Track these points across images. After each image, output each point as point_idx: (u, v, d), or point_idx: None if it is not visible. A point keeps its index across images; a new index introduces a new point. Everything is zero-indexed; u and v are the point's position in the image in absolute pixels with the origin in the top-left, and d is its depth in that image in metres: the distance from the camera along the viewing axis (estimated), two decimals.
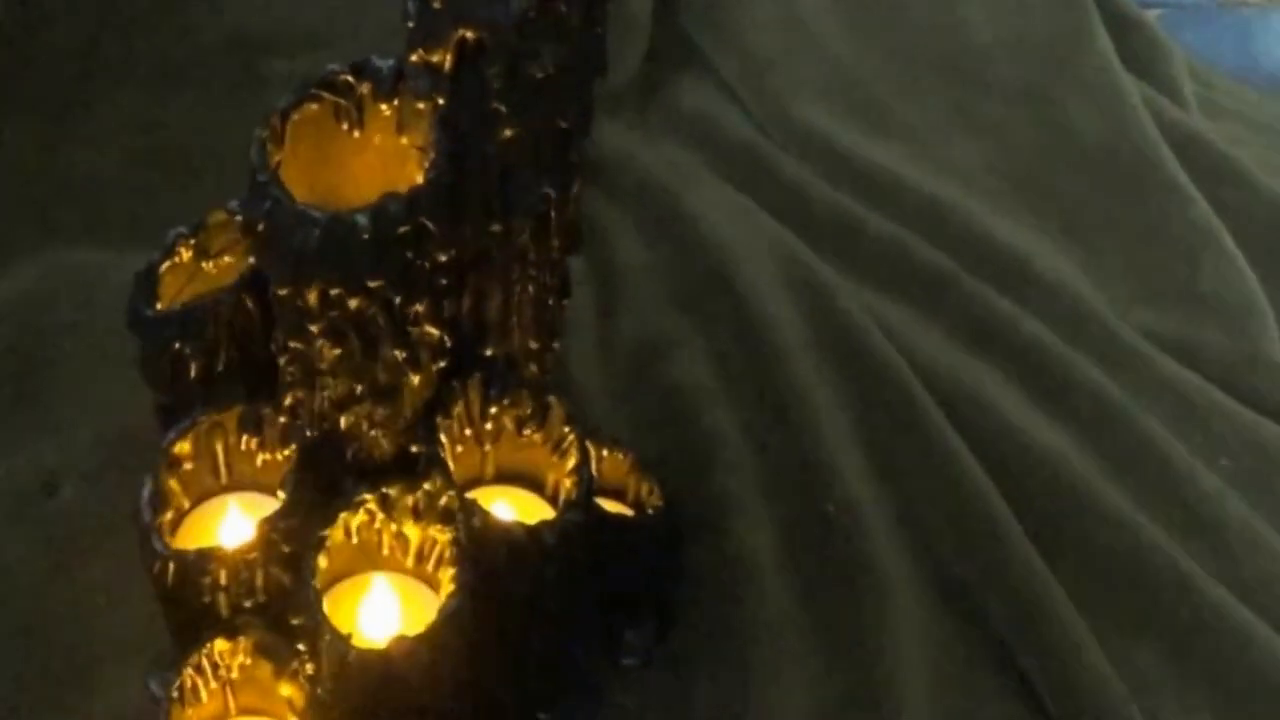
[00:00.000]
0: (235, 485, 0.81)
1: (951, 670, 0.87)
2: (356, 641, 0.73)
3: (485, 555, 0.75)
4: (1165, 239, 1.12)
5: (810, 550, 0.91)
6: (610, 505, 0.86)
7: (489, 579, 0.76)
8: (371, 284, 0.69)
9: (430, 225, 0.68)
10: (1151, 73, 1.25)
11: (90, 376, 0.94)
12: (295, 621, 0.75)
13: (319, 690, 0.75)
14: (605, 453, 0.89)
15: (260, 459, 0.80)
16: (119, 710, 0.82)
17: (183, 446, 0.78)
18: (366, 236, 0.67)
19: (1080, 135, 1.18)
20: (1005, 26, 1.21)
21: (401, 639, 0.73)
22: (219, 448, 0.79)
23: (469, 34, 0.66)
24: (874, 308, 1.04)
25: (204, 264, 0.81)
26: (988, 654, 0.89)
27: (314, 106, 0.72)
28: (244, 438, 0.79)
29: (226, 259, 0.81)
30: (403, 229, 0.68)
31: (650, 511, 0.87)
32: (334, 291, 0.69)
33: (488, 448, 0.81)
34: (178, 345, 0.76)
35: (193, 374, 0.77)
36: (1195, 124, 1.23)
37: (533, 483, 0.83)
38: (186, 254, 0.80)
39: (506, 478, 0.83)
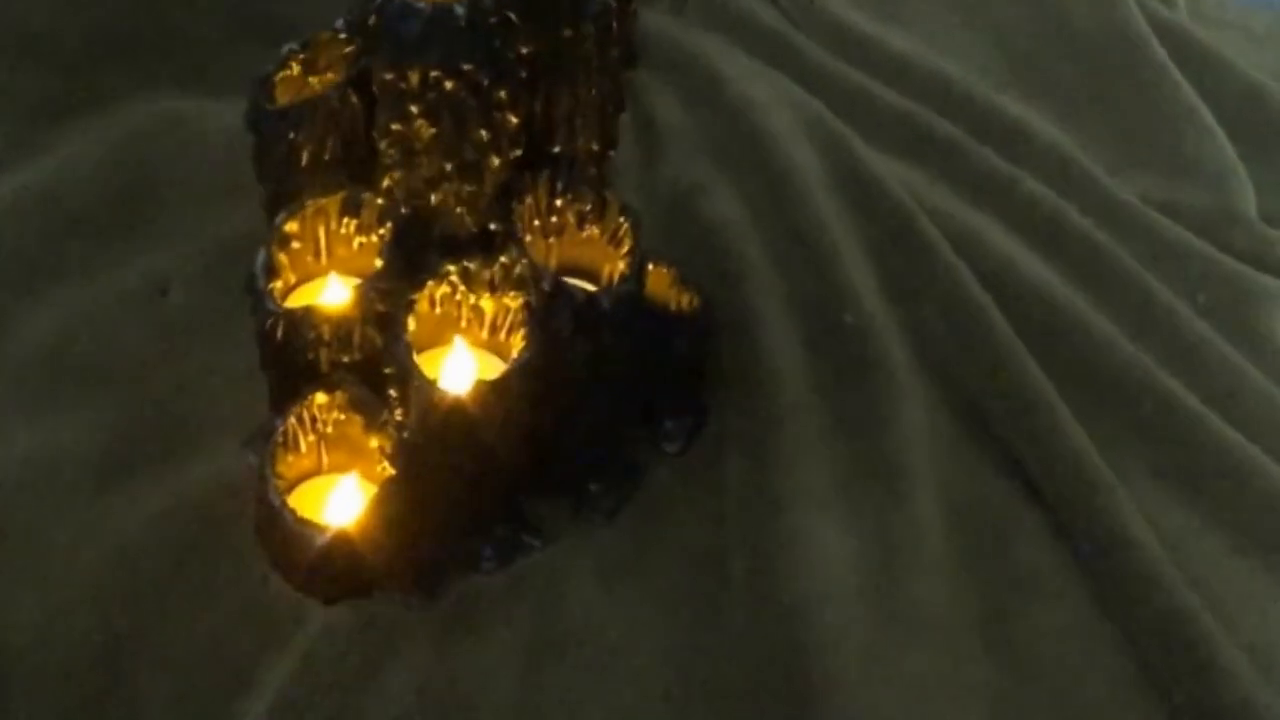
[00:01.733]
0: (335, 267, 0.93)
1: (951, 449, 0.99)
2: (439, 387, 0.85)
3: (552, 318, 0.88)
4: (1152, 115, 1.25)
5: (829, 353, 1.03)
6: None
7: (555, 339, 0.88)
8: (465, 67, 0.81)
9: (514, 19, 0.80)
10: None
11: (196, 201, 1.06)
12: (388, 371, 0.87)
13: (405, 435, 0.87)
14: (650, 267, 1.01)
15: (358, 242, 0.92)
16: (216, 473, 0.94)
17: (292, 225, 0.90)
18: (463, 24, 0.79)
19: (1075, 28, 1.30)
20: None
21: (480, 383, 0.85)
22: (322, 231, 0.92)
23: None
24: (893, 170, 1.16)
25: (311, 79, 0.93)
26: (985, 439, 1.01)
27: None
28: (345, 220, 0.91)
29: (330, 75, 0.93)
30: (493, 19, 0.80)
31: (687, 310, 0.99)
32: (433, 74, 0.81)
33: (552, 240, 0.94)
34: (291, 136, 0.88)
35: (303, 163, 0.89)
36: (1182, 20, 1.35)
37: (591, 276, 0.95)
38: (296, 68, 0.93)
39: (568, 271, 0.95)
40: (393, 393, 0.88)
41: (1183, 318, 1.08)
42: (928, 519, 0.95)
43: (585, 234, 0.93)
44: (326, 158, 0.90)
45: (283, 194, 0.91)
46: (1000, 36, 1.30)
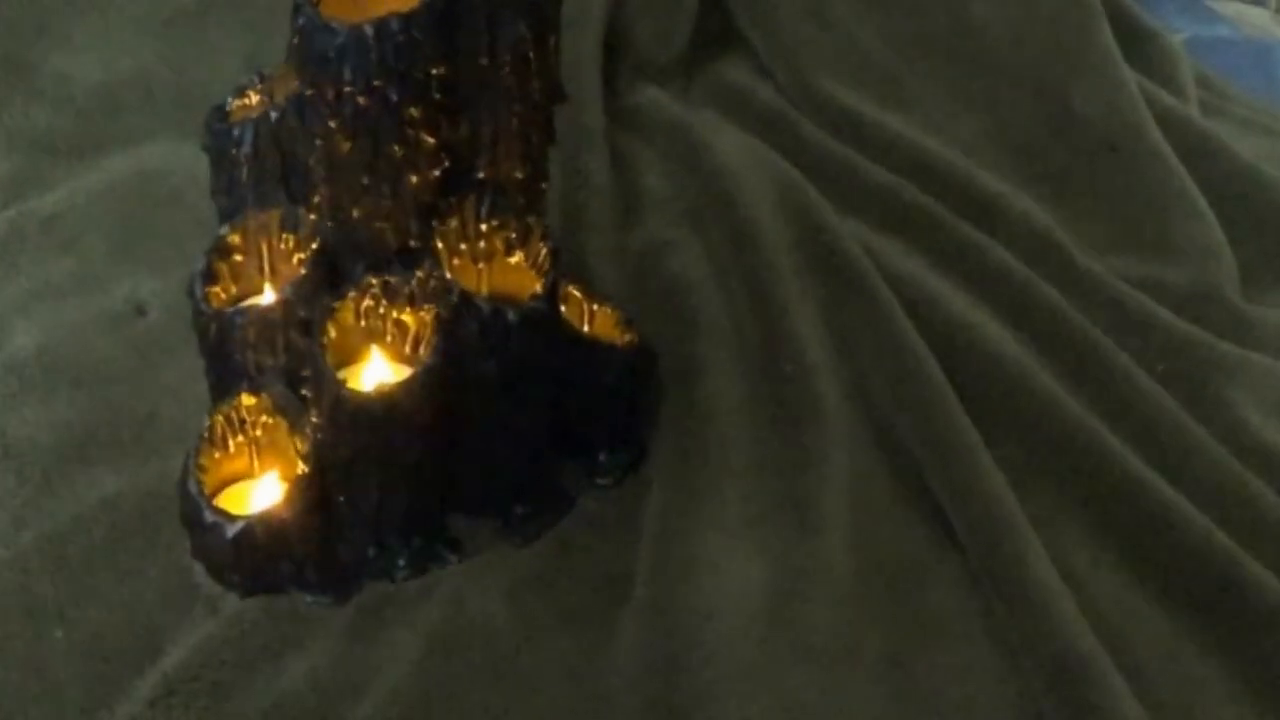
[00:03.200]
0: (277, 282, 0.99)
1: (875, 493, 1.01)
2: (349, 386, 0.90)
3: (460, 330, 0.92)
4: (1141, 198, 1.26)
5: (767, 399, 1.05)
6: None
7: (463, 350, 0.92)
8: (375, 83, 0.87)
9: (420, 39, 0.86)
10: (1155, 71, 1.40)
11: (184, 235, 1.13)
12: (305, 373, 0.92)
13: (319, 436, 0.92)
14: (596, 307, 1.05)
15: (296, 258, 0.97)
16: (164, 472, 0.98)
17: (234, 237, 0.96)
18: (371, 44, 0.85)
19: (1075, 113, 1.32)
20: (1013, 19, 1.37)
21: (383, 385, 0.90)
22: (264, 246, 0.97)
23: None
24: (864, 237, 1.19)
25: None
26: (912, 486, 1.02)
27: None
28: (284, 235, 0.97)
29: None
30: (399, 39, 0.86)
31: (621, 345, 1.03)
32: (346, 90, 0.87)
33: (481, 266, 0.98)
34: (234, 151, 0.95)
35: (244, 178, 0.95)
36: (1188, 111, 1.36)
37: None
38: (255, 97, 0.99)
39: (501, 299, 0.99)
40: (307, 394, 0.92)
41: (1139, 384, 1.09)
42: (838, 555, 0.96)
43: (513, 260, 0.97)
44: (267, 174, 0.95)
45: (231, 212, 0.97)
46: (999, 120, 1.33)
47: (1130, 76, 1.35)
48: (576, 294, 1.04)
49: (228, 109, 0.99)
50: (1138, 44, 1.44)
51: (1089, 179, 1.29)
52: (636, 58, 1.38)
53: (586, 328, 1.05)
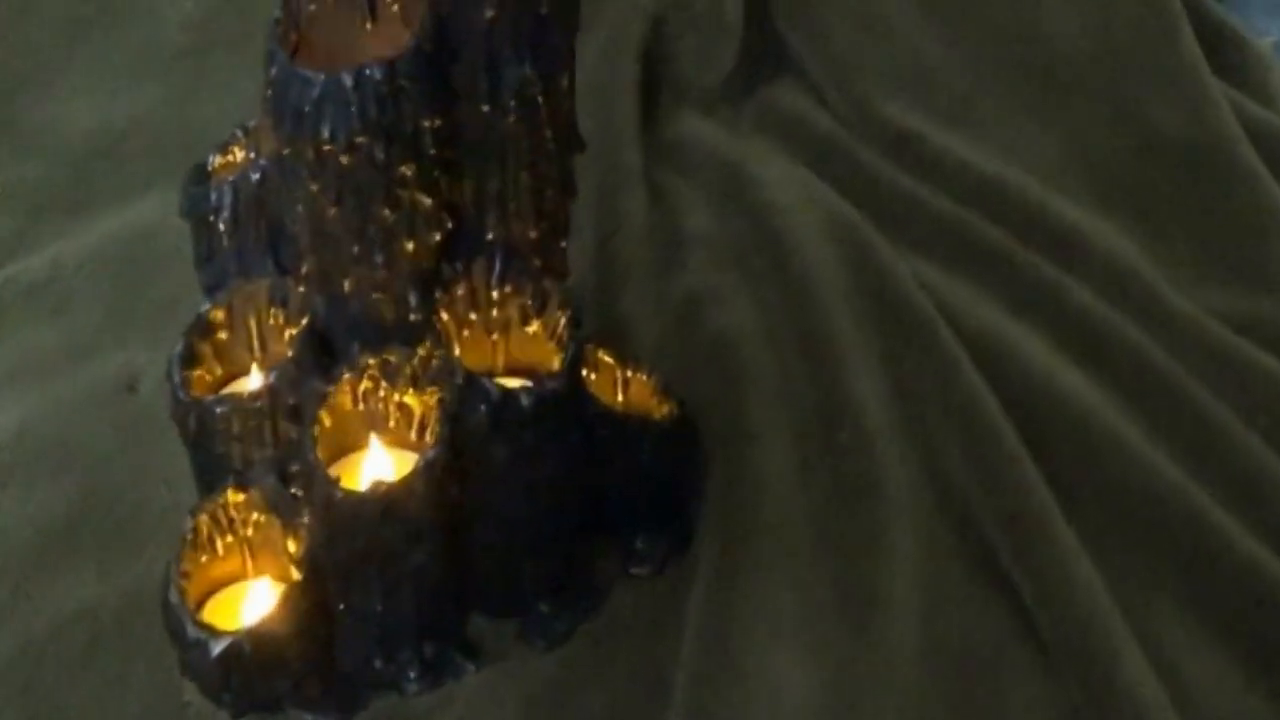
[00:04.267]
0: (268, 362, 0.89)
1: (943, 578, 0.90)
2: (343, 484, 0.80)
3: (468, 415, 0.81)
4: (1236, 224, 1.14)
5: (824, 471, 0.95)
6: None
7: (471, 438, 0.81)
8: (358, 140, 0.76)
9: (408, 87, 0.75)
10: (1244, 79, 1.26)
11: (176, 302, 1.03)
12: (295, 468, 0.82)
13: (312, 538, 0.82)
14: (630, 374, 0.94)
15: (287, 334, 0.87)
16: (150, 569, 0.90)
17: (216, 314, 0.86)
18: (351, 94, 0.75)
19: (1158, 130, 1.20)
20: (1089, 27, 1.24)
21: (379, 483, 0.79)
22: (252, 321, 0.87)
23: None
24: (929, 279, 1.08)
25: None
26: (984, 574, 0.91)
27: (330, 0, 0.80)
28: (272, 310, 0.87)
29: None
30: (383, 89, 0.75)
31: (657, 420, 0.92)
32: (327, 148, 0.76)
33: (496, 337, 0.88)
34: (213, 217, 0.84)
35: (226, 246, 0.85)
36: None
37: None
38: (239, 153, 0.89)
39: (517, 370, 0.89)
40: (298, 492, 0.82)
41: (1240, 443, 0.97)
42: (902, 653, 0.86)
43: (531, 329, 0.87)
44: (251, 242, 0.85)
45: (214, 287, 0.87)
46: (1074, 138, 1.21)
47: (1216, 86, 1.23)
48: (609, 360, 0.94)
49: (210, 167, 0.89)
50: (1223, 50, 1.30)
51: (1175, 202, 1.16)
52: (678, 85, 1.27)
53: (620, 397, 0.94)
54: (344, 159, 0.77)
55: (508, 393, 0.81)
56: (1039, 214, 1.13)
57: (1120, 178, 1.19)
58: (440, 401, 0.81)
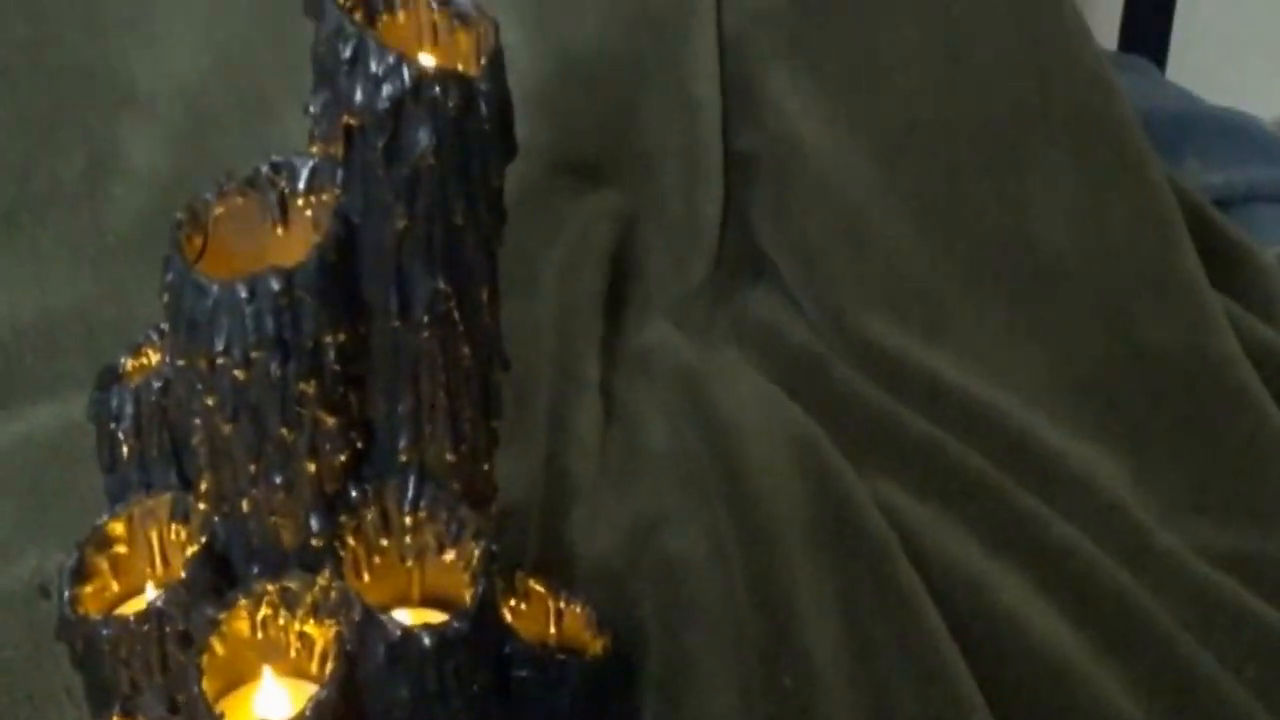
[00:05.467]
0: (170, 576, 0.83)
1: None
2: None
3: (366, 653, 0.75)
4: (1232, 452, 1.07)
5: (764, 715, 0.87)
6: None
7: (372, 678, 0.75)
8: (254, 354, 0.71)
9: (308, 299, 0.70)
10: (1247, 294, 1.20)
11: (96, 504, 0.97)
12: (180, 698, 0.76)
13: None
14: (564, 605, 0.88)
15: (190, 551, 0.81)
16: None
17: (115, 526, 0.81)
18: (246, 304, 0.70)
19: (1152, 348, 1.13)
20: (1081, 236, 1.19)
21: None
22: (154, 535, 0.82)
23: (351, 121, 0.70)
24: (899, 507, 1.02)
25: None
26: None
27: (239, 200, 0.76)
28: (174, 526, 0.81)
29: None
30: (280, 301, 0.70)
31: (584, 658, 0.85)
32: (221, 360, 0.71)
33: (410, 564, 0.82)
34: (112, 425, 0.79)
35: (125, 456, 0.79)
36: None
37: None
38: (154, 356, 0.84)
39: (435, 602, 0.83)
40: None
41: (1226, 695, 0.89)
42: None
43: (447, 558, 0.81)
44: (154, 453, 0.79)
45: (117, 492, 0.82)
46: (1063, 354, 1.14)
47: (1216, 301, 1.16)
48: (540, 590, 0.87)
49: (120, 369, 0.84)
50: (1225, 262, 1.24)
51: (1168, 426, 1.10)
52: (647, 291, 1.22)
53: (553, 629, 0.88)
54: (239, 373, 0.72)
55: (407, 631, 0.74)
56: (1021, 440, 1.07)
57: (1110, 398, 1.13)
58: (337, 636, 0.75)
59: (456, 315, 0.75)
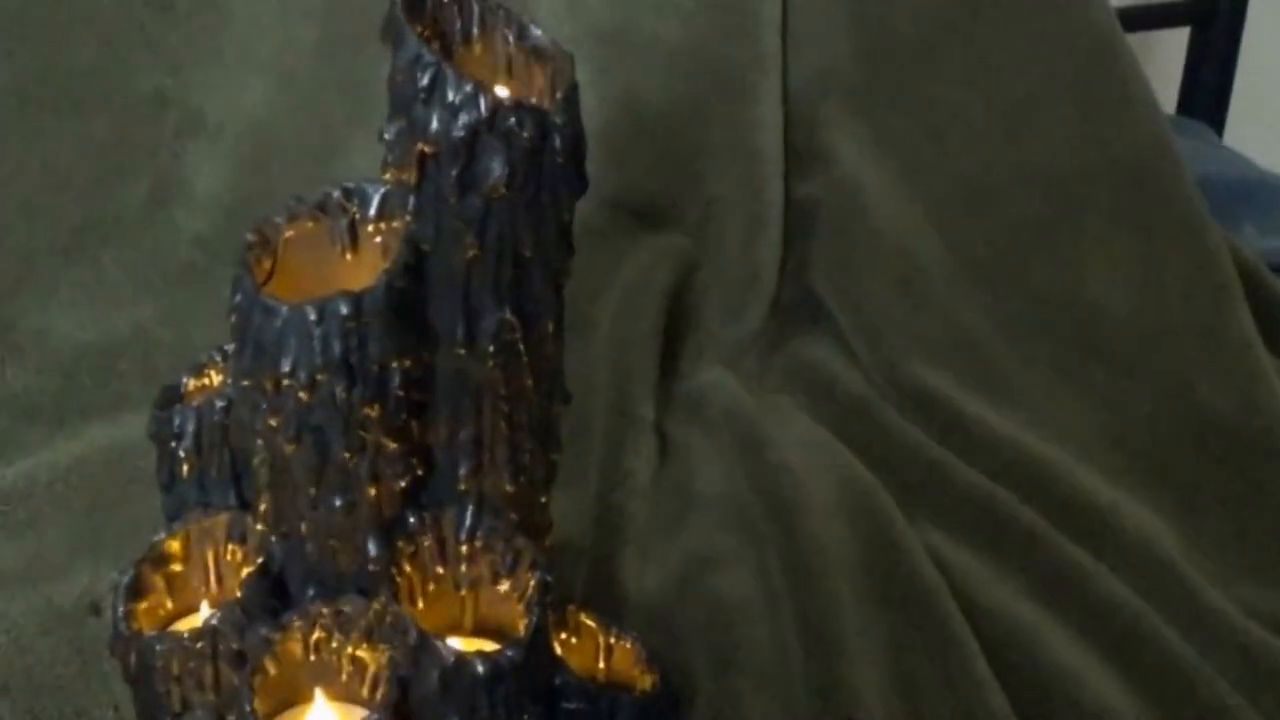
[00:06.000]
0: (226, 596, 0.83)
1: None
2: None
3: (419, 679, 0.75)
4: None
5: None
6: None
7: (424, 705, 0.75)
8: (319, 376, 0.72)
9: (374, 324, 0.71)
10: None
11: (149, 524, 0.98)
12: (230, 717, 0.76)
13: None
14: (614, 641, 0.88)
15: (245, 572, 0.82)
16: None
17: (171, 544, 0.81)
18: (314, 326, 0.70)
19: (1206, 411, 1.13)
20: (1136, 298, 1.19)
21: None
22: (210, 554, 0.82)
23: (426, 148, 0.70)
24: (948, 555, 1.01)
25: None
26: None
27: (309, 225, 0.77)
28: (230, 546, 0.82)
29: None
30: (348, 325, 0.71)
31: (634, 693, 0.85)
32: (286, 382, 0.72)
33: (464, 593, 0.82)
34: (172, 444, 0.80)
35: (185, 475, 0.80)
36: None
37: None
38: (216, 377, 0.85)
39: (487, 632, 0.83)
40: None
41: None
42: None
43: (501, 589, 0.81)
44: (214, 473, 0.80)
45: (175, 510, 0.83)
46: (1115, 415, 1.14)
47: (1270, 366, 1.16)
48: (591, 625, 0.87)
49: (182, 389, 0.85)
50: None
51: (1219, 489, 1.10)
52: (704, 334, 1.23)
53: (602, 664, 0.88)
54: (303, 395, 0.72)
55: (461, 658, 0.74)
56: (1072, 494, 1.06)
57: (1162, 459, 1.12)
58: (390, 661, 0.75)
59: (521, 346, 0.76)
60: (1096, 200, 1.24)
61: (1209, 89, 1.95)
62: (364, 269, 0.77)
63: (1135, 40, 1.41)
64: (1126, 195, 1.24)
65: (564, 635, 0.86)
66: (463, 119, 0.69)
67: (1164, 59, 1.96)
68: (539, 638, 0.78)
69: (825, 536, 0.99)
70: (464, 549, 0.80)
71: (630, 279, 1.22)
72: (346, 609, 0.77)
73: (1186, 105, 1.96)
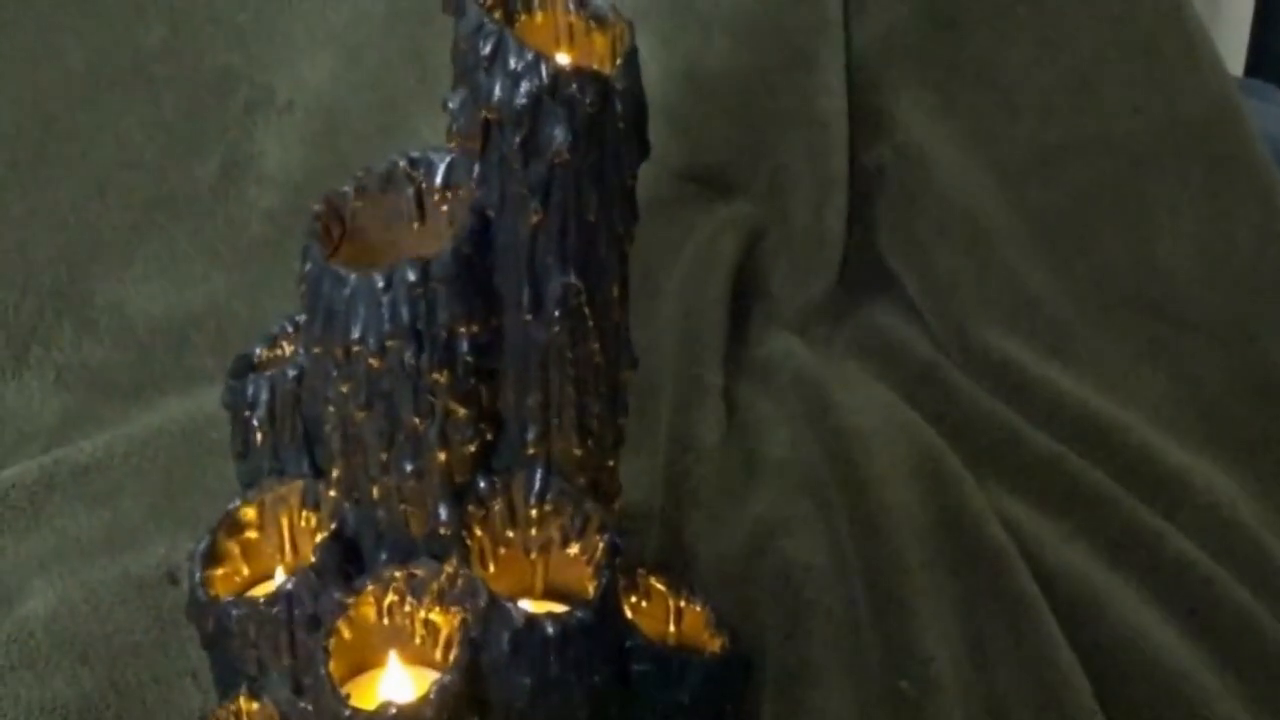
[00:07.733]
0: (296, 565, 0.85)
1: None
2: (352, 702, 0.75)
3: (490, 641, 0.76)
4: None
5: None
6: None
7: (495, 665, 0.76)
8: (389, 342, 0.73)
9: (442, 291, 0.72)
10: None
11: (225, 494, 0.99)
12: (306, 681, 0.77)
13: None
14: (684, 604, 0.89)
15: (319, 538, 0.83)
16: None
17: (247, 511, 0.83)
18: (382, 293, 0.71)
19: (1277, 373, 1.12)
20: (1207, 264, 1.18)
21: (387, 704, 0.74)
22: (284, 521, 0.84)
23: (489, 116, 0.71)
24: (1018, 518, 1.01)
25: None
26: None
27: (376, 195, 0.77)
28: (304, 512, 0.83)
29: None
30: (416, 291, 0.72)
31: (704, 656, 0.86)
32: (356, 348, 0.73)
33: (534, 556, 0.83)
34: (246, 413, 0.81)
35: (259, 443, 0.81)
36: None
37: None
38: (288, 347, 0.86)
39: (557, 595, 0.84)
40: (308, 707, 0.77)
41: None
42: None
43: (571, 552, 0.82)
44: (288, 440, 0.81)
45: (250, 478, 0.84)
46: (1185, 377, 1.14)
47: None
48: (661, 588, 0.88)
49: (255, 359, 0.86)
50: None
51: None
52: (771, 301, 1.23)
53: (672, 627, 0.88)
54: (373, 361, 0.73)
55: (532, 619, 0.75)
56: (1141, 455, 1.06)
57: (1232, 421, 1.12)
58: (462, 623, 0.76)
59: (587, 311, 0.76)
60: (1164, 162, 1.23)
61: (1277, 50, 1.92)
62: (431, 237, 0.78)
63: (1202, 2, 1.39)
64: (1194, 157, 1.23)
65: (634, 599, 0.87)
66: (524, 86, 0.70)
67: (1232, 21, 1.94)
68: (608, 599, 0.78)
69: (894, 500, 0.99)
70: (533, 513, 0.80)
71: (698, 248, 1.22)
72: (418, 573, 0.78)
73: (1254, 67, 1.94)
